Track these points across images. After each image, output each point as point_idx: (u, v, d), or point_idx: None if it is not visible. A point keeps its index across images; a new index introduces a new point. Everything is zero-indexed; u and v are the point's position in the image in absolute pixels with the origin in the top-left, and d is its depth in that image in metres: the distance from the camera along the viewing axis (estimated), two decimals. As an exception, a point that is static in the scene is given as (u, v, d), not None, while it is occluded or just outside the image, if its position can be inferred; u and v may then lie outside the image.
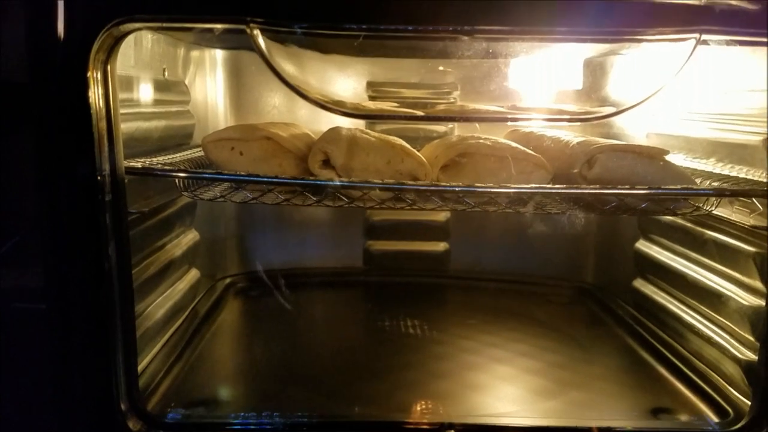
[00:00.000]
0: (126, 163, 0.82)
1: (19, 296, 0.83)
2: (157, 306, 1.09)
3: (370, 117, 1.28)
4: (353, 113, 0.87)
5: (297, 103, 1.44)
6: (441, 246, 1.61)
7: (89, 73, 0.74)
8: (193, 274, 1.30)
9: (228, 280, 1.51)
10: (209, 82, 1.40)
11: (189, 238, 1.28)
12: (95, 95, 0.75)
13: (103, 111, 0.77)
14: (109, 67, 0.77)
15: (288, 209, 1.58)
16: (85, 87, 0.74)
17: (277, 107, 1.44)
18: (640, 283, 1.33)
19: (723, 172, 1.03)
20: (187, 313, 1.25)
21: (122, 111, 0.94)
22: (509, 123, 1.31)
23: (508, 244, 1.58)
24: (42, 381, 0.83)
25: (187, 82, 1.27)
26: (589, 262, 1.57)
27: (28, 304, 0.83)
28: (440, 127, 1.50)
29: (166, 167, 0.88)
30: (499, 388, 1.06)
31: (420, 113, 1.18)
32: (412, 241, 1.61)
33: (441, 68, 1.34)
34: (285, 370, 1.10)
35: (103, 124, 0.77)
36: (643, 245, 1.33)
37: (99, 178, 0.76)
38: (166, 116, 1.12)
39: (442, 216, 1.59)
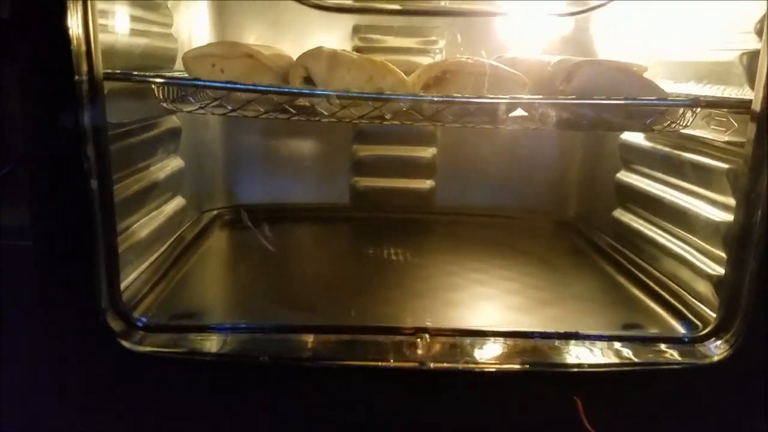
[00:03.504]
0: (105, 70, 0.82)
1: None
2: (141, 226, 1.10)
3: (353, 11, 1.28)
4: (336, 7, 0.85)
5: (280, 35, 1.43)
6: (427, 183, 1.62)
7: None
8: (179, 202, 1.31)
9: (215, 212, 1.52)
10: (192, 9, 1.38)
11: (173, 164, 1.28)
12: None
13: (81, 9, 0.76)
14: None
15: (275, 145, 1.58)
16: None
17: (260, 37, 1.43)
18: (619, 213, 1.35)
19: (701, 93, 1.04)
20: (173, 238, 1.26)
21: (102, 21, 0.94)
22: (493, 37, 1.32)
23: (493, 180, 1.60)
24: (32, 289, 0.85)
25: (169, 5, 1.26)
26: (572, 196, 1.59)
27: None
28: (428, 59, 1.50)
29: (146, 74, 0.88)
30: (478, 305, 1.08)
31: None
32: (399, 178, 1.62)
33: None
34: (268, 289, 1.13)
35: (80, 29, 0.77)
36: (624, 175, 1.35)
37: (77, 77, 0.76)
38: (148, 35, 1.11)
39: (429, 153, 1.60)
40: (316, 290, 1.14)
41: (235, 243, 1.44)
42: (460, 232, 1.54)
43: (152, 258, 1.13)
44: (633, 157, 1.31)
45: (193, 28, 1.38)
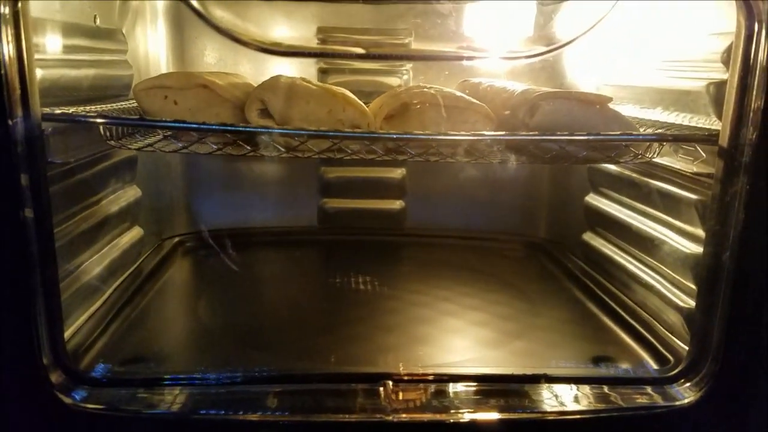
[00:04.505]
0: (44, 110, 0.77)
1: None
2: (94, 263, 1.05)
3: (310, 55, 1.24)
4: (290, 52, 0.82)
5: (242, 56, 1.38)
6: (397, 204, 1.59)
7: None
8: (136, 232, 1.26)
9: (176, 239, 1.47)
10: (150, 32, 1.33)
11: (129, 194, 1.23)
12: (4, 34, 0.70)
13: (14, 52, 0.72)
14: (20, 4, 0.72)
15: (240, 167, 1.53)
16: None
17: (222, 59, 1.38)
18: (589, 237, 1.34)
19: (668, 120, 1.02)
20: (130, 271, 1.21)
21: (46, 57, 0.89)
22: (458, 62, 1.30)
23: (463, 201, 1.57)
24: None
25: (124, 30, 1.21)
26: (542, 217, 1.57)
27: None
28: (395, 80, 1.47)
29: (87, 114, 0.83)
30: (445, 340, 1.05)
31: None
32: (368, 199, 1.58)
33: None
34: (229, 327, 1.08)
35: (14, 67, 0.72)
36: (593, 199, 1.33)
37: (10, 122, 0.71)
38: (98, 65, 1.06)
39: (398, 173, 1.57)
40: (281, 327, 1.10)
41: (196, 272, 1.39)
42: (430, 256, 1.50)
43: (105, 296, 1.08)
44: (601, 181, 1.29)
45: (150, 52, 1.33)
